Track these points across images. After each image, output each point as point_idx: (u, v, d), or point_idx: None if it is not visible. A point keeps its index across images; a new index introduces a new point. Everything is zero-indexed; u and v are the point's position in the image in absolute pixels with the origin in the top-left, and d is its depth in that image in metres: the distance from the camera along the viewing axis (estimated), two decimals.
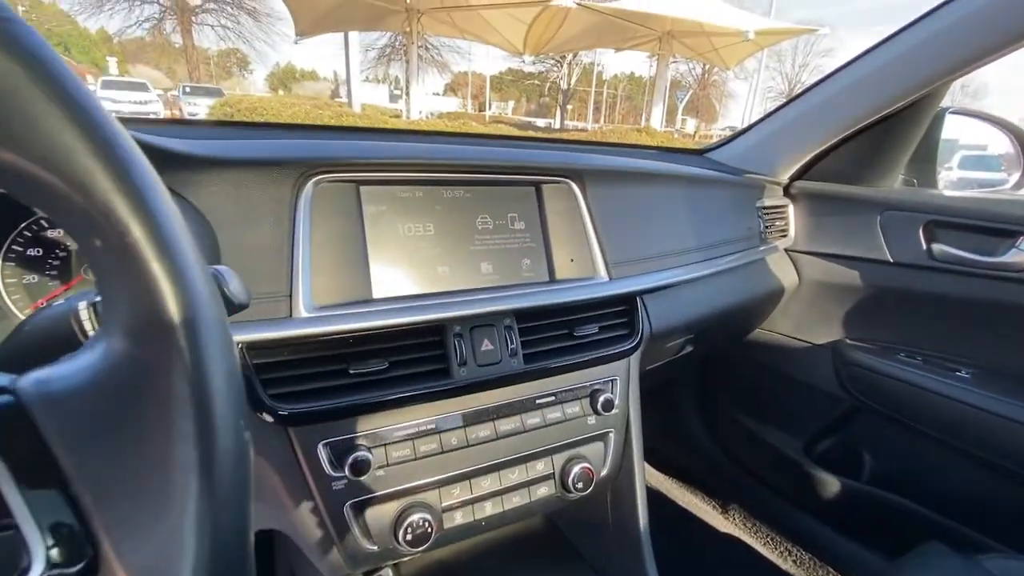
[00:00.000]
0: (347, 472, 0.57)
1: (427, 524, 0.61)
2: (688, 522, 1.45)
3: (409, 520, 0.60)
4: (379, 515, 0.61)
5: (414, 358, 0.63)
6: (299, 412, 0.55)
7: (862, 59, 1.03)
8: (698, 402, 1.54)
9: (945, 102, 1.11)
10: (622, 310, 0.79)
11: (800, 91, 1.18)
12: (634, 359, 0.80)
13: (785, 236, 1.19)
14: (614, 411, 0.75)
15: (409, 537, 0.60)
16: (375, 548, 0.61)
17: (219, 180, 0.54)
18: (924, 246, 1.01)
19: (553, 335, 0.72)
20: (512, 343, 0.68)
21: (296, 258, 0.57)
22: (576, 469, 0.72)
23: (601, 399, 0.73)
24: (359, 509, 0.60)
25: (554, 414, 0.72)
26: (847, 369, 1.12)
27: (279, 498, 0.60)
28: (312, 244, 0.58)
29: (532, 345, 0.70)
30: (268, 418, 0.55)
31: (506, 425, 0.68)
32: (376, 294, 0.61)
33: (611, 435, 0.79)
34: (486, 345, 0.66)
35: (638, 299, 0.80)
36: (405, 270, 0.63)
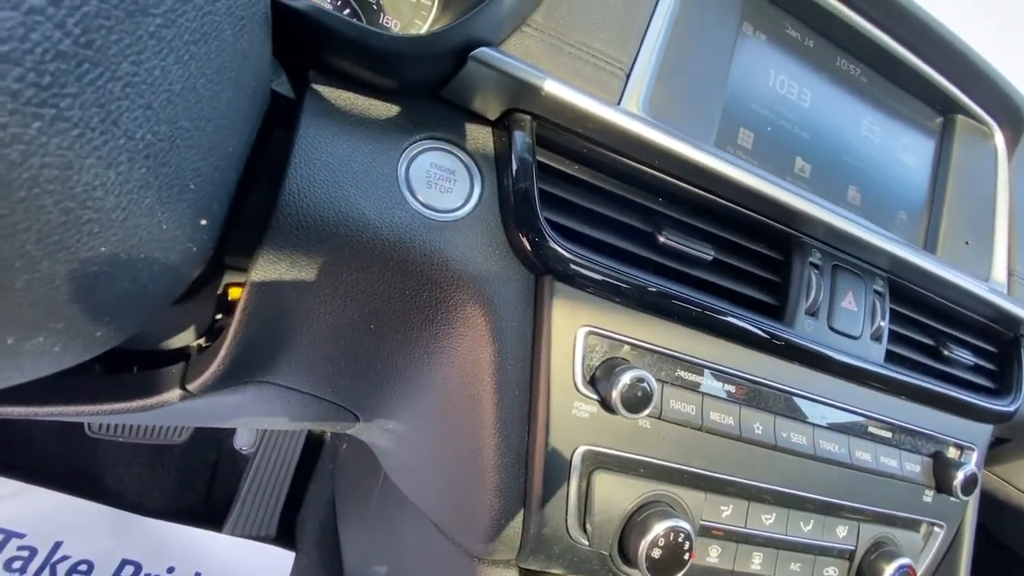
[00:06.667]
0: (615, 398, 0.32)
1: (685, 540, 0.33)
2: None
3: (661, 527, 0.33)
4: (615, 496, 0.35)
5: (743, 269, 0.38)
6: (577, 261, 0.32)
7: None
8: None
9: None
10: (998, 353, 0.51)
11: None
12: (989, 432, 0.50)
13: None
14: (967, 498, 0.45)
15: (656, 553, 0.33)
16: (585, 545, 0.34)
17: None
18: None
19: (920, 341, 0.45)
20: (880, 318, 0.41)
21: (649, 33, 0.35)
22: (892, 569, 0.42)
23: (960, 475, 0.44)
24: (589, 470, 0.34)
25: (889, 460, 0.43)
26: None
27: (453, 395, 0.35)
28: (670, 35, 0.36)
29: (899, 342, 0.43)
30: (527, 246, 0.31)
31: (828, 443, 0.40)
32: (717, 143, 0.38)
33: (939, 533, 0.48)
34: (848, 302, 0.40)
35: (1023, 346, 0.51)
36: (758, 133, 0.40)
